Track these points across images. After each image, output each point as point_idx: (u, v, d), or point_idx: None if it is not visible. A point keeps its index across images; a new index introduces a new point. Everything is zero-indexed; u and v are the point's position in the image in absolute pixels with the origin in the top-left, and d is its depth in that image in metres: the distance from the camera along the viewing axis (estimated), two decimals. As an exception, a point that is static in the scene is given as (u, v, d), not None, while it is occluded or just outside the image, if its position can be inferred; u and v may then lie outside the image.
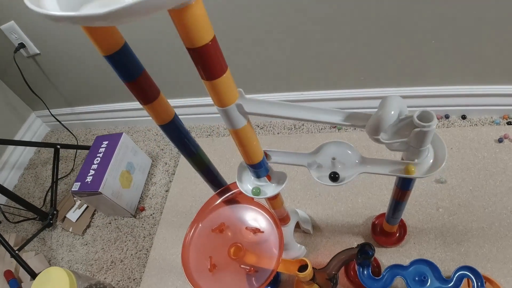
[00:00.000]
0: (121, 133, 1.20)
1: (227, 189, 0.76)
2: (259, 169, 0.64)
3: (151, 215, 1.19)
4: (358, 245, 0.73)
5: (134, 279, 1.08)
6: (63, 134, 1.67)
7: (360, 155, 0.63)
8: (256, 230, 0.71)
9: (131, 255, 1.13)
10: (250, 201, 0.74)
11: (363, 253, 0.73)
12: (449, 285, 0.76)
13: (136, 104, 1.40)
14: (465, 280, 0.76)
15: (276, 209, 0.78)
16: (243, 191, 0.66)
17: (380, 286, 0.76)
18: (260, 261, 0.70)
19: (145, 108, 0.58)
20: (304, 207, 1.03)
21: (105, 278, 1.12)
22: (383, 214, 0.93)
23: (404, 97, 0.54)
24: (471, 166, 1.01)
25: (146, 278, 1.06)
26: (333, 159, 0.62)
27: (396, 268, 0.78)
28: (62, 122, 1.56)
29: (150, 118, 1.44)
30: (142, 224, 1.18)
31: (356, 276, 0.85)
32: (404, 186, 0.69)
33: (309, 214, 1.01)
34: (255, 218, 0.73)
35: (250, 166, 0.63)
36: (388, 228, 0.87)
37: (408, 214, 0.95)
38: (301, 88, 1.17)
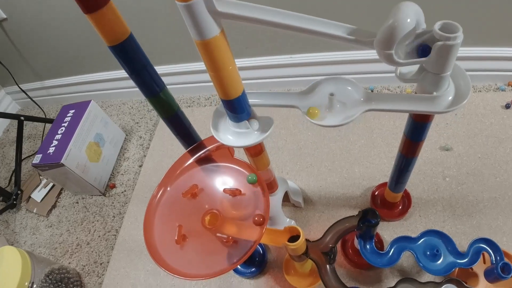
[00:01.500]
0: (89, 101, 1.04)
1: (201, 145, 0.61)
2: (240, 112, 0.49)
3: (122, 192, 1.03)
4: (359, 211, 0.59)
5: (101, 263, 0.92)
6: (34, 112, 1.49)
7: (364, 91, 0.49)
8: (236, 192, 0.55)
9: (99, 236, 0.97)
10: (229, 159, 0.59)
11: (366, 221, 0.58)
12: (465, 259, 0.62)
13: (111, 74, 1.24)
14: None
15: (260, 171, 0.63)
16: (219, 140, 0.51)
17: (386, 262, 0.61)
18: (240, 231, 0.54)
19: (89, 19, 0.42)
20: (294, 178, 0.88)
21: (69, 263, 0.95)
22: (384, 184, 0.79)
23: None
24: (478, 133, 0.88)
25: (113, 261, 0.90)
26: (331, 94, 0.48)
27: (404, 241, 0.63)
28: (32, 98, 1.38)
29: (125, 90, 1.26)
30: (112, 203, 1.02)
31: (355, 254, 0.71)
32: (415, 135, 0.54)
33: (300, 186, 0.86)
34: (236, 179, 0.58)
35: (227, 105, 0.48)
36: (391, 198, 0.73)
37: (412, 184, 0.81)
38: (290, 51, 1.02)
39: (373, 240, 0.62)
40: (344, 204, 0.81)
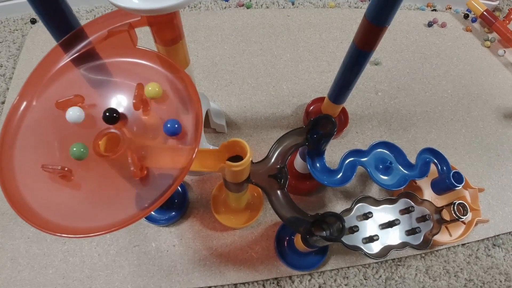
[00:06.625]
0: None
1: (81, 34, 0.38)
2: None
3: (-22, 139, 0.72)
4: (309, 121, 0.44)
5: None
6: None
7: None
8: (144, 97, 0.35)
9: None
10: (129, 51, 0.38)
11: (319, 132, 0.44)
12: (416, 171, 0.53)
13: None
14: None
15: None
16: (116, 4, 0.30)
17: (339, 180, 0.49)
18: (158, 158, 0.35)
19: None
20: (212, 99, 0.70)
21: None
22: (319, 99, 0.66)
23: None
24: (404, 48, 0.81)
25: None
26: None
27: (355, 155, 0.52)
28: None
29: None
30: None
31: (295, 178, 0.58)
32: (382, 15, 0.40)
33: (220, 108, 0.69)
34: (143, 79, 0.37)
35: None
36: (330, 112, 0.60)
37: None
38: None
39: (324, 157, 0.49)
40: (274, 125, 0.67)
